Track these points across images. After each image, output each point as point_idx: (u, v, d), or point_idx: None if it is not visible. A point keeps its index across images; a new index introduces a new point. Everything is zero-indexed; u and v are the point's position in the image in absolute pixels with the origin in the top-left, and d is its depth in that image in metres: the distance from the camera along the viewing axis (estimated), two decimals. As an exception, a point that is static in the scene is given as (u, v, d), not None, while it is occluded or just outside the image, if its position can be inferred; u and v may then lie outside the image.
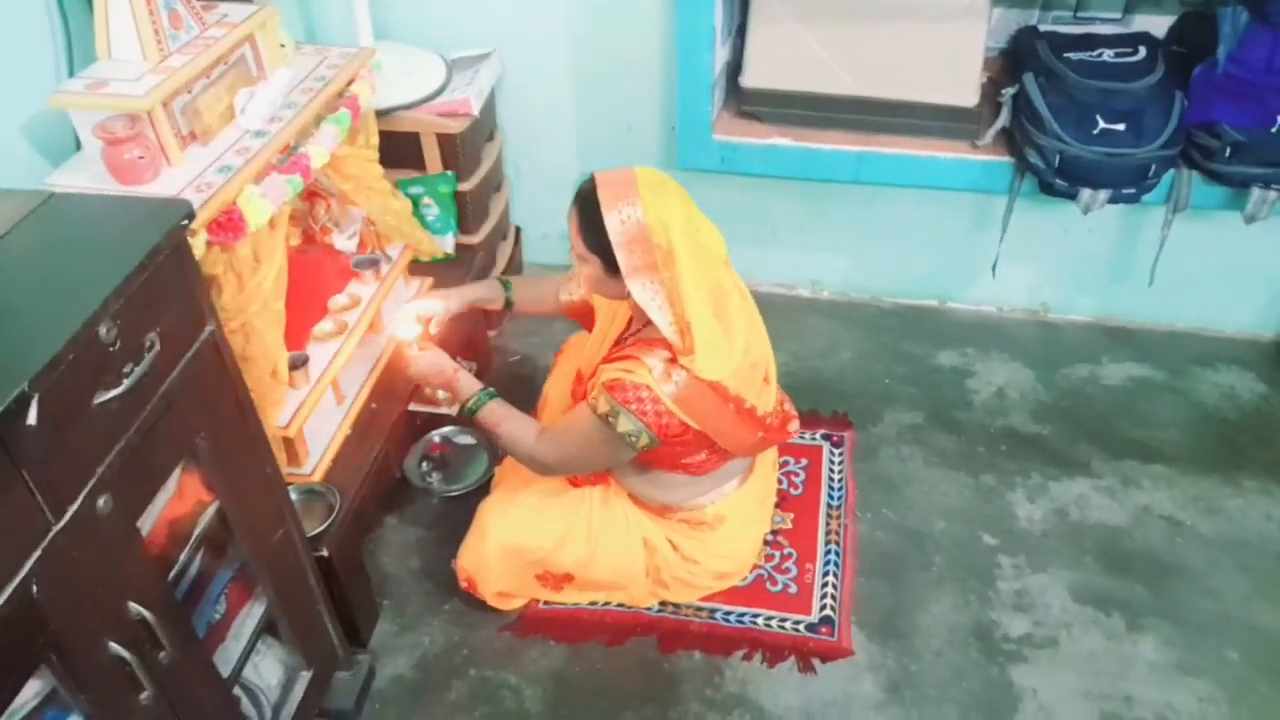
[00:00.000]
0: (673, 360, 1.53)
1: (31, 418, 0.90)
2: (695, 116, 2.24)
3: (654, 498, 1.78)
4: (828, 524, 2.04)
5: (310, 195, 2.01)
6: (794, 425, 1.75)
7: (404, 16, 2.37)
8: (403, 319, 1.80)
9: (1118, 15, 2.26)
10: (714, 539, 1.81)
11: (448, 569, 1.88)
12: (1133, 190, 2.07)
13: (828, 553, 1.98)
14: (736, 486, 1.82)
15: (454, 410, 2.10)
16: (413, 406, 2.05)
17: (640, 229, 1.46)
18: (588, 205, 1.50)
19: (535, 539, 1.76)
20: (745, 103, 2.30)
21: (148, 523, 1.19)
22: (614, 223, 1.47)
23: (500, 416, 1.70)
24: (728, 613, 1.87)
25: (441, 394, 2.08)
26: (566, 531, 1.76)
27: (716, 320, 1.53)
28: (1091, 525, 2.04)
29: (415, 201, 2.20)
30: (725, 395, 1.55)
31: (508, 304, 1.91)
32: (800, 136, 2.25)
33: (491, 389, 1.73)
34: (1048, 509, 2.08)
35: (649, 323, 1.58)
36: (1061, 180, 2.06)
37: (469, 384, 1.73)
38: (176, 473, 1.24)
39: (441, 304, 1.82)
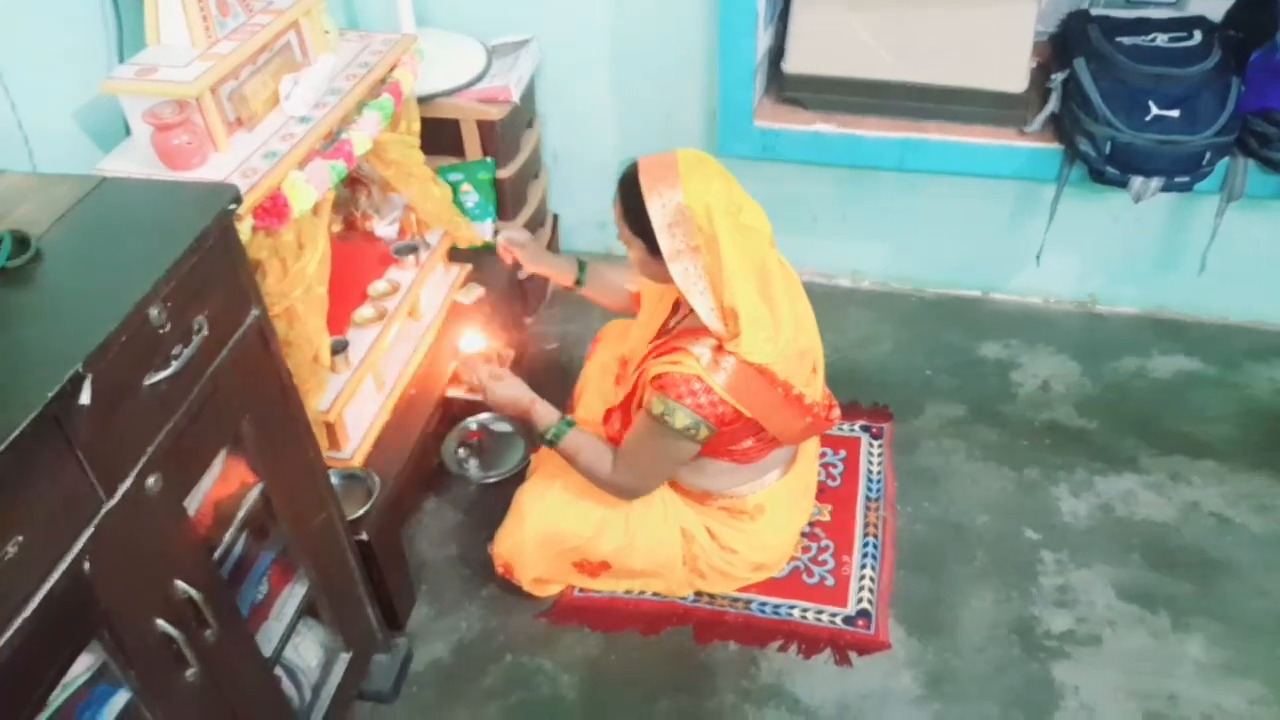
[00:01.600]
0: (719, 348, 1.52)
1: (85, 398, 0.91)
2: (736, 103, 2.22)
3: (696, 484, 1.78)
4: (866, 516, 2.02)
5: (351, 182, 2.03)
6: (835, 413, 1.74)
7: (444, 3, 2.37)
8: (469, 334, 1.84)
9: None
10: (753, 529, 1.80)
11: (484, 554, 1.89)
12: (1186, 178, 2.01)
13: (865, 545, 1.96)
14: (778, 477, 1.81)
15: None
16: (450, 392, 2.07)
17: (681, 212, 1.46)
18: (630, 189, 1.51)
19: (573, 526, 1.76)
20: (787, 89, 2.27)
21: (194, 503, 1.21)
22: (655, 206, 1.47)
23: (579, 445, 1.70)
24: (764, 604, 1.87)
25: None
26: (604, 519, 1.76)
27: (762, 300, 1.52)
28: (1138, 521, 2.01)
29: (455, 188, 2.20)
30: (774, 380, 1.54)
31: (578, 283, 1.91)
32: (843, 123, 2.22)
33: (570, 418, 1.73)
34: (1093, 504, 2.04)
35: (693, 311, 1.57)
36: (1112, 168, 2.01)
37: (547, 414, 1.72)
38: (222, 454, 1.26)
39: (520, 248, 1.84)
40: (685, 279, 1.49)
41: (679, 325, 1.67)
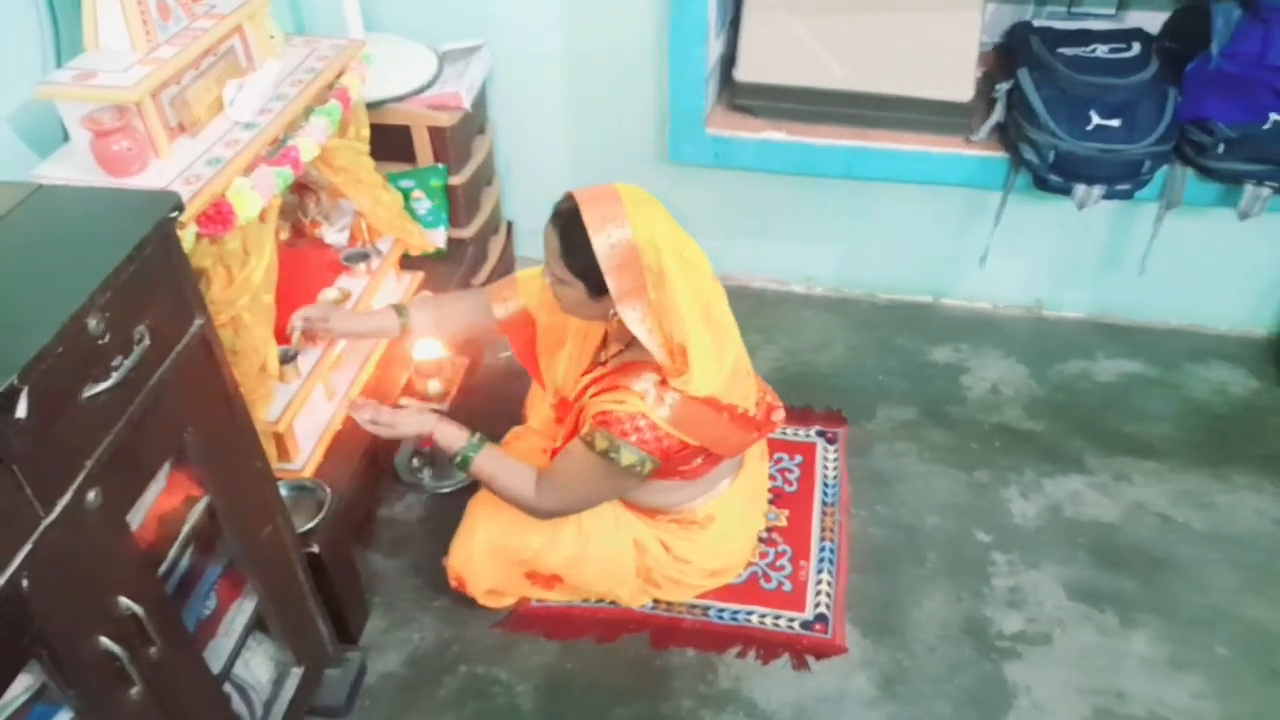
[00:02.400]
0: (663, 382, 1.49)
1: (21, 410, 0.89)
2: (688, 110, 2.24)
3: (644, 501, 1.76)
4: (822, 521, 2.04)
5: (300, 188, 2.00)
6: (779, 415, 1.72)
7: (394, 8, 2.35)
8: (424, 343, 1.83)
9: (1111, 10, 2.27)
10: (705, 538, 1.80)
11: (438, 565, 1.87)
12: (1127, 186, 2.07)
13: (822, 550, 1.97)
14: (729, 485, 1.81)
15: (444, 406, 2.09)
16: (403, 401, 2.04)
17: (631, 251, 1.41)
18: (570, 226, 1.44)
19: (524, 537, 1.74)
20: (739, 96, 2.29)
21: (137, 517, 1.18)
22: (603, 245, 1.41)
23: (494, 470, 1.63)
24: (721, 610, 1.87)
25: (433, 387, 2.07)
26: (555, 529, 1.74)
27: (708, 335, 1.49)
28: (1085, 521, 2.05)
29: (406, 195, 2.18)
30: (719, 407, 1.53)
31: (405, 329, 1.79)
32: (794, 131, 2.25)
33: (479, 436, 1.65)
34: (1041, 505, 2.08)
35: (630, 344, 1.55)
36: (1056, 176, 2.06)
37: (453, 437, 1.64)
38: (166, 467, 1.23)
39: (323, 323, 1.73)
40: (633, 318, 1.44)
41: (615, 360, 1.63)
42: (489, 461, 1.64)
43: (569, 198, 1.47)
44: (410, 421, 1.67)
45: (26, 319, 0.96)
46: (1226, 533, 2.02)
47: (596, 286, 1.45)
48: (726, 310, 1.58)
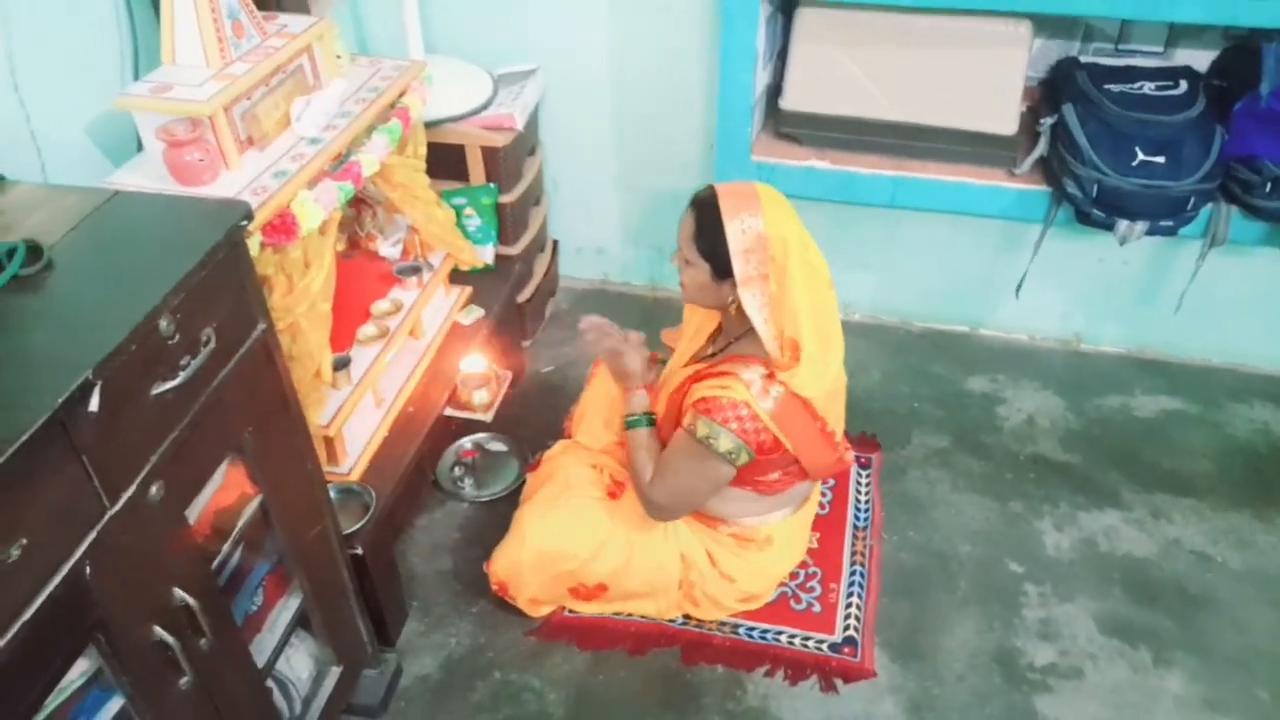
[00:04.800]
0: (769, 376, 1.55)
1: (93, 405, 0.93)
2: (734, 137, 2.27)
3: (711, 507, 1.78)
4: (853, 544, 2.04)
5: (357, 202, 2.06)
6: (850, 455, 1.76)
7: (453, 32, 2.42)
8: (472, 355, 1.99)
9: (1159, 49, 2.27)
10: (758, 559, 1.81)
11: (476, 572, 1.91)
12: (1170, 223, 2.06)
13: (853, 573, 1.98)
14: (788, 514, 1.83)
15: (488, 417, 2.14)
16: (448, 411, 2.09)
17: (760, 240, 1.50)
18: (706, 211, 1.54)
19: (572, 546, 1.78)
20: (784, 124, 2.32)
21: (194, 512, 1.22)
22: (734, 230, 1.50)
23: (642, 444, 1.74)
24: (751, 628, 1.88)
25: (478, 398, 2.12)
26: (604, 541, 1.78)
27: (818, 337, 1.55)
28: (1120, 556, 2.04)
29: (458, 211, 2.24)
30: (815, 414, 1.58)
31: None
32: (837, 159, 2.27)
33: (652, 416, 1.77)
34: (1076, 538, 2.07)
35: (741, 337, 1.61)
36: (1098, 210, 2.06)
37: (640, 401, 1.78)
38: (224, 465, 1.27)
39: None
40: (752, 304, 1.52)
41: (722, 353, 1.69)
42: (646, 437, 1.75)
43: (709, 188, 1.57)
44: (633, 357, 1.79)
45: (102, 318, 1.01)
46: (1267, 573, 1.99)
47: (721, 270, 1.54)
48: (837, 324, 1.64)
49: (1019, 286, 2.32)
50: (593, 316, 1.89)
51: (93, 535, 0.98)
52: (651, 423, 1.76)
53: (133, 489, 1.03)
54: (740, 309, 1.54)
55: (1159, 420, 2.37)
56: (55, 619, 0.94)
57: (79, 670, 1.06)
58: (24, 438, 0.85)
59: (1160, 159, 2.01)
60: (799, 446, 1.60)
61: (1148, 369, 2.52)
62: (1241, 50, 2.14)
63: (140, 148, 1.57)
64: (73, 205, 1.18)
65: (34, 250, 1.07)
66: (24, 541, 0.88)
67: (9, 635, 0.88)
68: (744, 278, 1.51)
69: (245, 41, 1.57)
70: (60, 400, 0.89)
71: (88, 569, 0.97)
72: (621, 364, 1.80)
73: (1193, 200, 2.03)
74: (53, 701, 1.02)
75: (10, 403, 0.89)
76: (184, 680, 1.15)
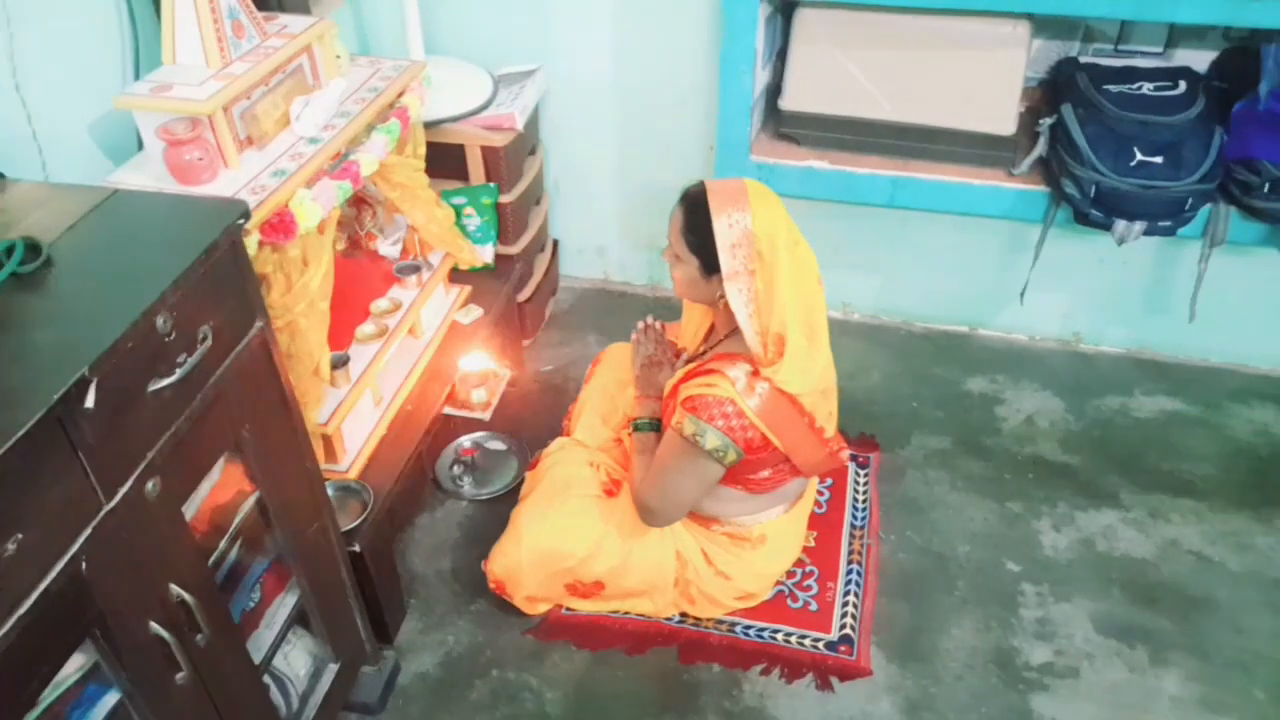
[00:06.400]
0: (755, 373, 1.56)
1: (90, 401, 0.94)
2: (734, 137, 2.28)
3: (704, 507, 1.79)
4: (851, 544, 2.05)
5: (357, 201, 2.07)
6: (845, 453, 1.76)
7: (453, 32, 2.43)
8: (473, 354, 2.01)
9: (1159, 49, 2.27)
10: (753, 557, 1.82)
11: (475, 570, 1.92)
12: (1169, 223, 2.06)
13: (849, 572, 1.99)
14: (782, 512, 1.83)
15: (486, 416, 2.14)
16: (447, 410, 2.10)
17: (746, 235, 1.51)
18: (695, 207, 1.56)
19: (569, 545, 1.78)
20: (784, 125, 2.33)
21: (192, 508, 1.23)
22: (722, 226, 1.51)
23: (645, 447, 1.78)
24: (748, 627, 1.89)
25: (477, 397, 2.12)
26: (601, 539, 1.78)
27: (804, 333, 1.56)
28: (1118, 557, 2.03)
29: (458, 211, 2.25)
30: (802, 410, 1.59)
31: None
32: (837, 160, 2.28)
33: (657, 421, 1.80)
34: (1074, 538, 2.07)
35: (731, 333, 1.61)
36: (1097, 211, 2.06)
37: (653, 406, 1.82)
38: (221, 462, 1.28)
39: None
40: (737, 299, 1.53)
41: (711, 351, 1.71)
42: (651, 441, 1.78)
43: (700, 184, 1.58)
44: (666, 374, 1.84)
45: (99, 314, 1.02)
46: (1265, 575, 1.99)
47: (709, 265, 1.55)
48: (824, 321, 1.65)
49: (1023, 292, 2.33)
50: (656, 322, 1.95)
51: (89, 531, 0.99)
52: (659, 429, 1.77)
53: (129, 485, 1.04)
54: (728, 306, 1.54)
55: (1159, 421, 2.37)
56: (52, 614, 0.94)
57: (76, 665, 1.06)
58: (20, 433, 0.85)
59: (1159, 159, 2.01)
60: (787, 443, 1.60)
61: (1148, 370, 2.52)
62: (1240, 51, 2.14)
63: (140, 147, 1.58)
64: (72, 204, 1.19)
65: (33, 248, 1.08)
66: (20, 537, 0.89)
67: (5, 628, 0.89)
68: (730, 272, 1.52)
69: (245, 41, 1.58)
70: (56, 397, 0.89)
71: (84, 564, 0.98)
72: (653, 374, 1.84)
73: (1191, 201, 2.03)
74: (49, 696, 1.03)
75: (8, 399, 0.90)
76: (180, 675, 1.16)
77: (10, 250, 1.06)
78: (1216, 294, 2.30)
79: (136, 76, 1.66)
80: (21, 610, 0.90)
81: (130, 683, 1.10)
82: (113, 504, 1.02)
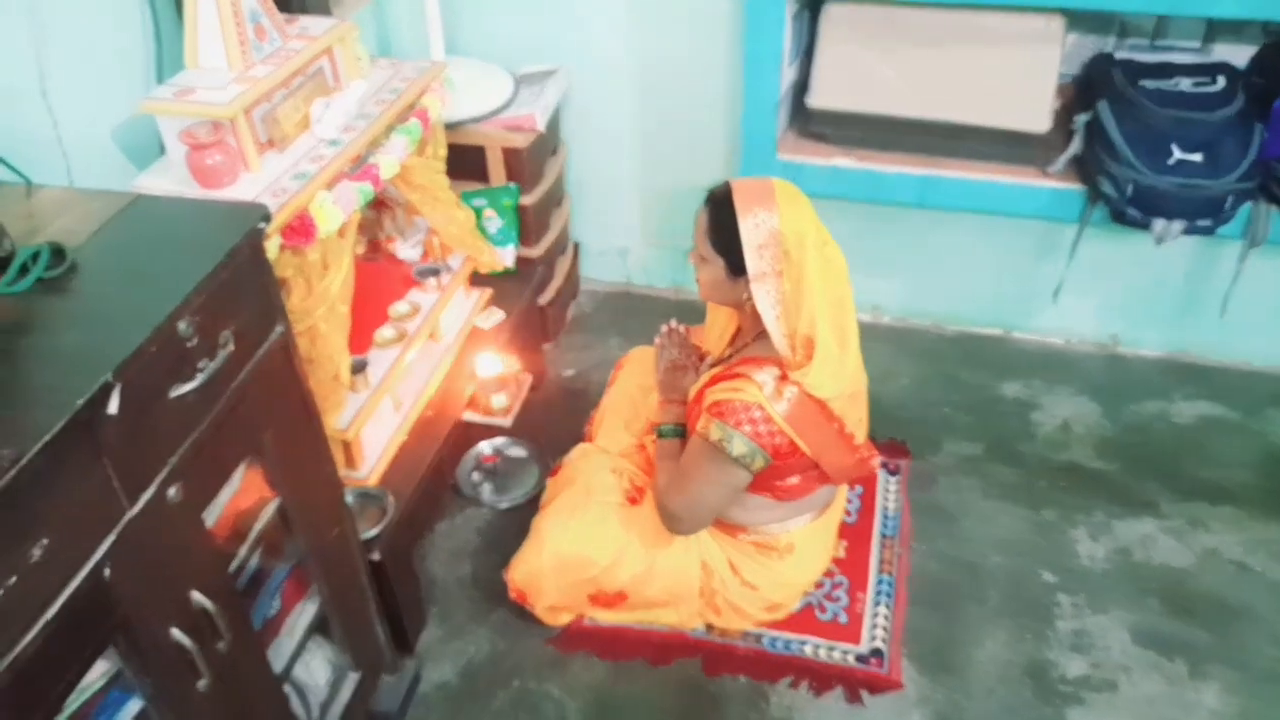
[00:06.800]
0: (783, 377, 1.52)
1: (113, 406, 0.93)
2: (760, 136, 2.25)
3: (731, 516, 1.76)
4: (881, 553, 2.01)
5: (377, 204, 2.06)
6: (876, 460, 1.73)
7: (474, 32, 2.42)
8: (490, 358, 2.00)
9: (1197, 44, 2.22)
10: (780, 566, 1.78)
11: (495, 578, 1.89)
12: (1208, 222, 2.01)
13: (880, 583, 1.95)
14: (810, 520, 1.80)
15: (507, 421, 2.13)
16: (467, 415, 2.08)
17: (773, 235, 1.48)
18: (721, 206, 1.53)
19: (592, 553, 1.75)
20: (811, 123, 2.30)
21: (213, 515, 1.22)
22: (748, 226, 1.48)
23: (670, 453, 1.75)
24: (775, 639, 1.85)
25: (497, 402, 2.11)
26: (624, 548, 1.76)
27: (834, 335, 1.53)
28: (1156, 566, 1.98)
29: (478, 213, 2.23)
30: (830, 415, 1.55)
31: None
32: (865, 158, 2.24)
33: (682, 427, 1.78)
34: (1110, 548, 2.02)
35: (758, 336, 1.58)
36: (1134, 210, 2.02)
37: (678, 412, 1.79)
38: (242, 468, 1.27)
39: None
40: (764, 301, 1.50)
41: (737, 355, 1.68)
42: (675, 447, 1.75)
43: (725, 183, 1.55)
44: (690, 379, 1.80)
45: (122, 319, 1.01)
46: (1309, 586, 1.94)
47: (735, 266, 1.52)
48: (854, 323, 1.61)
49: (1056, 291, 2.28)
50: (680, 326, 1.93)
51: (113, 536, 0.98)
52: (684, 435, 1.74)
53: (152, 490, 1.03)
54: (755, 308, 1.51)
55: (1198, 427, 2.31)
56: (76, 620, 0.94)
57: (99, 671, 1.06)
58: (46, 438, 0.85)
59: (1198, 157, 1.97)
60: (816, 449, 1.57)
61: (1187, 374, 2.45)
62: (1281, 47, 2.09)
63: (163, 151, 1.57)
64: (97, 209, 1.19)
65: (58, 253, 1.09)
66: (45, 541, 0.88)
67: (31, 634, 0.88)
68: (757, 273, 1.49)
69: (267, 44, 1.57)
70: (81, 401, 0.89)
71: (108, 570, 0.97)
72: (678, 379, 1.82)
73: (1231, 199, 1.98)
74: (74, 702, 1.02)
75: (34, 402, 0.91)
76: (202, 683, 1.15)
77: (36, 255, 1.07)
78: (1257, 296, 2.25)
79: (159, 80, 1.65)
80: (47, 616, 0.90)
81: (152, 690, 1.09)
82: (136, 510, 1.01)
